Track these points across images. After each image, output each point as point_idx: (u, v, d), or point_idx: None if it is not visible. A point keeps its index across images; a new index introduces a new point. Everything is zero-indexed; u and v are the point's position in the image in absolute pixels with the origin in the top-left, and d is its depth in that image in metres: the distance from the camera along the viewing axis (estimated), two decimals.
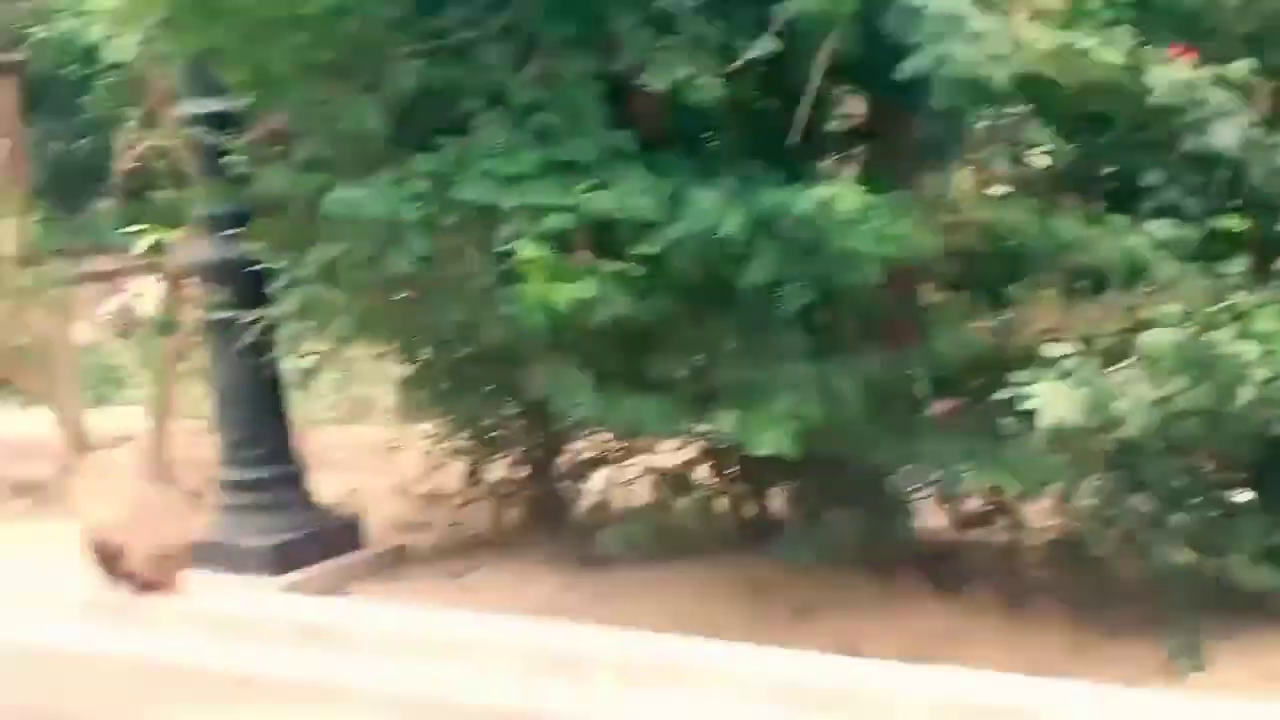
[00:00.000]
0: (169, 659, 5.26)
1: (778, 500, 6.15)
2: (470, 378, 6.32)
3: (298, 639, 5.31)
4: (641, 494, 6.33)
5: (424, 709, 4.74)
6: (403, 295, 5.29)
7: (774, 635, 5.13)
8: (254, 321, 5.57)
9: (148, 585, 5.62)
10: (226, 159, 5.71)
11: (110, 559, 5.66)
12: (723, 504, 6.13)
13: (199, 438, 9.29)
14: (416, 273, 5.05)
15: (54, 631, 5.61)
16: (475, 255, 5.00)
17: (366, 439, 9.01)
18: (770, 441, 4.93)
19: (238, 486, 6.24)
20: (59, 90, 10.83)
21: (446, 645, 5.05)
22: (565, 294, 4.80)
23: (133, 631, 5.55)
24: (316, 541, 6.22)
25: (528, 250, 4.79)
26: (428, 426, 7.68)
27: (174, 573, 5.63)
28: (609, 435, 6.19)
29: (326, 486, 7.32)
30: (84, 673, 5.33)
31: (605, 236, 5.13)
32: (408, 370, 6.50)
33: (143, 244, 7.49)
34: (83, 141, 10.94)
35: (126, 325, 9.11)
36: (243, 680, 5.08)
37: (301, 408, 6.83)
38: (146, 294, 7.26)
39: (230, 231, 5.89)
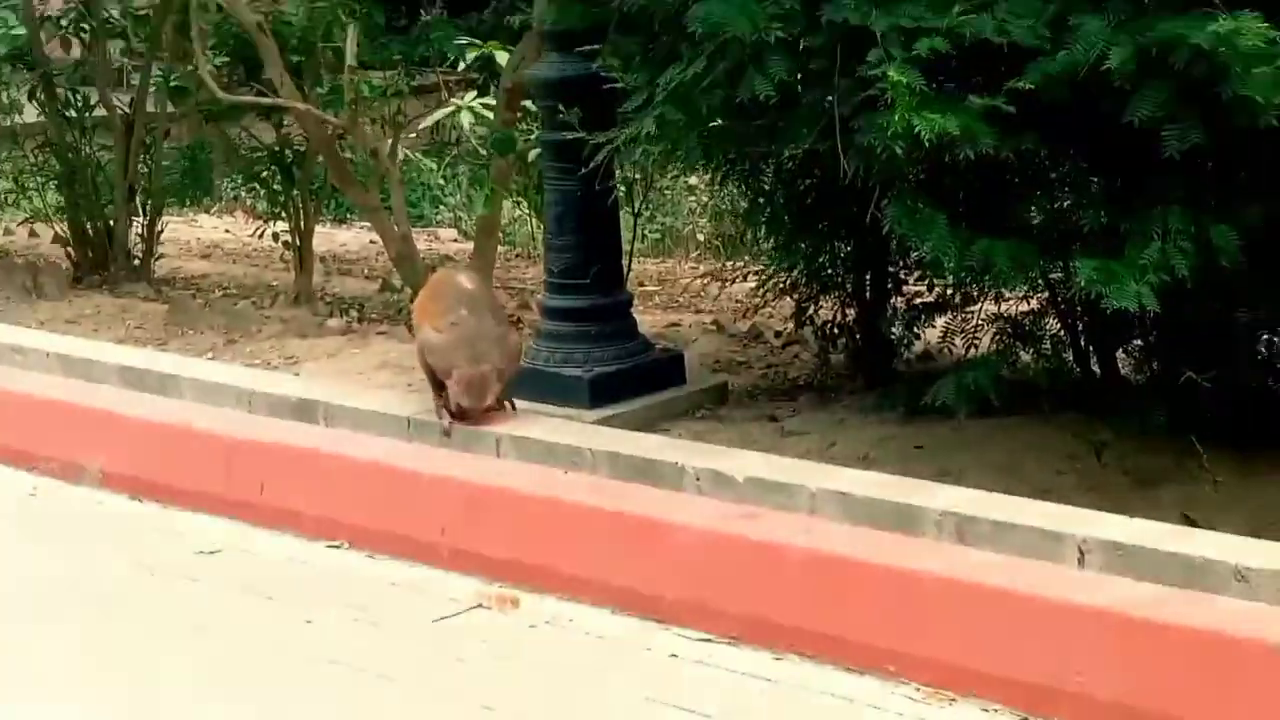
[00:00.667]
0: (489, 483, 5.26)
1: (1129, 359, 5.86)
2: (810, 211, 6.15)
3: (617, 473, 5.25)
4: (979, 345, 6.11)
5: (735, 550, 4.64)
6: (757, 121, 5.10)
7: (1111, 502, 4.91)
8: (600, 144, 5.44)
9: (463, 413, 5.62)
10: None
11: (438, 383, 5.68)
12: (1068, 360, 5.86)
13: (522, 262, 9.44)
14: (774, 96, 4.87)
15: (378, 448, 5.67)
16: (838, 80, 4.78)
17: (684, 273, 8.98)
18: (1131, 294, 4.66)
19: (563, 314, 6.19)
20: None
21: (767, 488, 4.93)
22: (930, 125, 4.57)
23: (452, 454, 5.56)
24: (638, 375, 6.15)
25: (895, 76, 4.58)
26: (749, 263, 7.59)
27: (486, 402, 5.62)
28: (949, 280, 5.95)
29: (646, 320, 7.30)
30: (404, 489, 5.38)
31: (980, 64, 4.89)
32: (744, 202, 6.35)
33: (472, 58, 7.48)
34: None
35: (451, 143, 9.16)
36: (559, 508, 5.05)
37: (626, 238, 6.76)
38: (474, 111, 7.21)
39: (579, 48, 5.75)
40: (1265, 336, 5.55)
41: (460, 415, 5.65)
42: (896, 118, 4.57)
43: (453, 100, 7.51)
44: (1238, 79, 4.42)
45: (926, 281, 6.26)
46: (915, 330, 6.41)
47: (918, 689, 4.16)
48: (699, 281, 8.31)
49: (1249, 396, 5.43)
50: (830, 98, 4.84)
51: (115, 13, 9.21)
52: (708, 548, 4.70)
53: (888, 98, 4.61)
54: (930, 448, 5.55)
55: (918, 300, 6.38)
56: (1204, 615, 3.94)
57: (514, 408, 5.77)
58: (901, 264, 6.30)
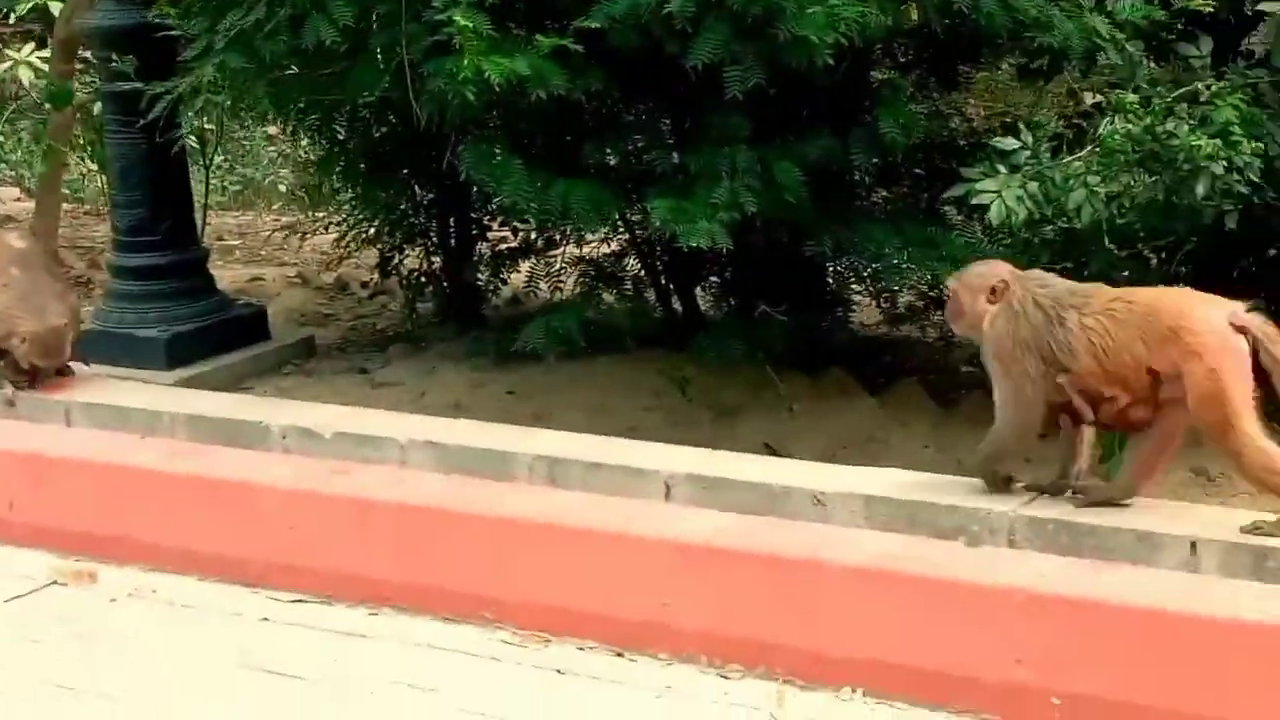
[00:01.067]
0: (59, 453, 5.00)
1: (708, 296, 6.01)
2: (388, 159, 6.06)
3: (197, 435, 5.07)
4: (564, 288, 6.15)
5: (324, 508, 4.56)
6: (327, 68, 4.98)
7: (696, 436, 5.03)
8: (159, 94, 5.21)
9: (33, 375, 5.33)
10: None
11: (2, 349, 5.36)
12: (650, 299, 5.96)
13: (92, 220, 9.00)
14: (340, 42, 4.76)
15: None
16: (406, 24, 4.71)
17: (265, 226, 8.75)
18: (703, 232, 4.77)
19: (134, 273, 5.94)
20: None
21: (356, 442, 4.86)
22: (499, 69, 4.56)
23: (18, 424, 5.27)
24: (218, 333, 5.96)
25: (462, 20, 4.54)
26: (332, 214, 7.45)
27: (58, 360, 5.34)
28: (532, 225, 5.97)
29: (226, 275, 7.08)
30: None
31: (543, 7, 4.89)
32: (319, 151, 6.21)
33: (26, 8, 7.08)
34: None
35: (11, 98, 8.66)
36: (135, 476, 4.85)
37: (199, 191, 6.52)
38: (33, 64, 6.83)
39: None
40: (832, 268, 5.78)
41: (30, 379, 5.34)
42: (465, 62, 4.54)
43: (8, 53, 7.09)
44: (793, 18, 4.56)
45: (510, 227, 6.27)
46: (501, 276, 6.42)
47: (514, 633, 4.18)
48: (281, 234, 8.10)
49: (819, 327, 5.65)
50: (399, 43, 4.76)
51: None
52: (295, 507, 4.60)
53: (456, 42, 4.57)
54: (522, 392, 5.57)
55: (502, 246, 6.39)
56: (785, 540, 4.07)
57: (88, 363, 5.49)
58: (484, 210, 6.29)
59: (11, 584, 4.61)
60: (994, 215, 4.52)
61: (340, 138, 6.11)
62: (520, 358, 5.59)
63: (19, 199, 9.47)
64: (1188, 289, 4.04)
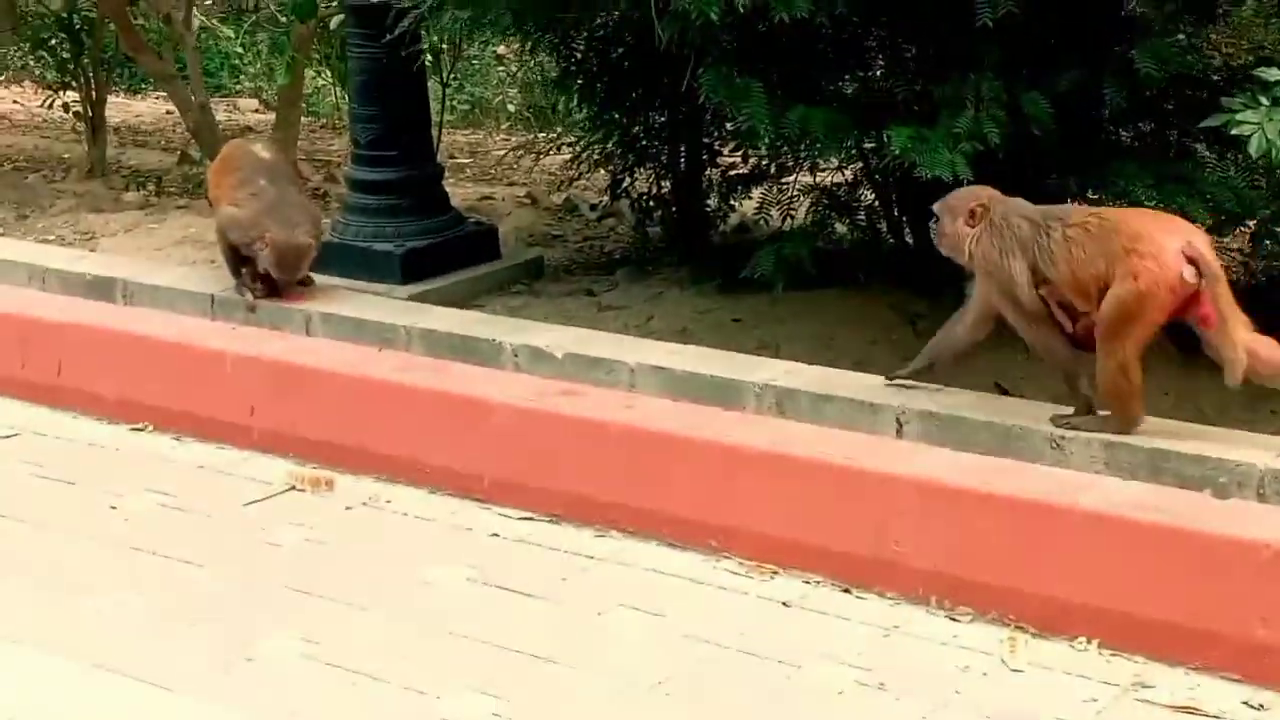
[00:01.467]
0: (300, 362, 5.10)
1: None
2: (623, 81, 6.03)
3: (432, 350, 5.13)
4: (794, 217, 6.08)
5: (555, 427, 4.58)
6: None
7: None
8: (405, 9, 5.24)
9: (274, 284, 5.44)
10: None
11: (240, 258, 5.48)
12: (883, 230, 5.86)
13: (327, 133, 9.16)
14: None
15: (180, 327, 5.46)
16: None
17: (494, 145, 8.81)
18: (944, 162, 4.66)
19: (371, 187, 6.01)
20: None
21: (587, 364, 4.87)
22: None
23: (261, 331, 5.39)
24: (450, 250, 6.01)
25: None
26: (562, 134, 7.46)
27: (300, 271, 5.44)
28: (764, 151, 5.89)
29: (457, 193, 7.14)
30: (211, 370, 5.19)
31: None
32: (555, 71, 6.20)
33: None
34: None
35: (250, 9, 8.84)
36: (372, 387, 4.92)
37: (434, 109, 6.57)
38: None
39: None
40: (1075, 204, 5.61)
41: (270, 288, 5.46)
42: None
43: None
44: None
45: (742, 153, 6.20)
46: (731, 202, 6.36)
47: (740, 563, 4.16)
48: (511, 154, 8.15)
49: None
50: None
51: None
52: (527, 425, 4.62)
53: None
54: (748, 320, 5.53)
55: (733, 172, 6.32)
56: (1020, 483, 3.98)
57: (312, 283, 5.60)
58: (716, 135, 6.23)
59: (251, 488, 4.73)
60: (1254, 148, 4.30)
61: (578, 58, 6.09)
62: (747, 285, 5.54)
63: (257, 110, 9.68)
64: (1157, 213, 4.25)
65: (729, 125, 5.87)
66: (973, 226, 4.24)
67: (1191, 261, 3.90)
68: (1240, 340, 3.89)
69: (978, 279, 4.27)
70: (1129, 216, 4.14)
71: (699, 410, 4.60)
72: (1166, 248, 3.92)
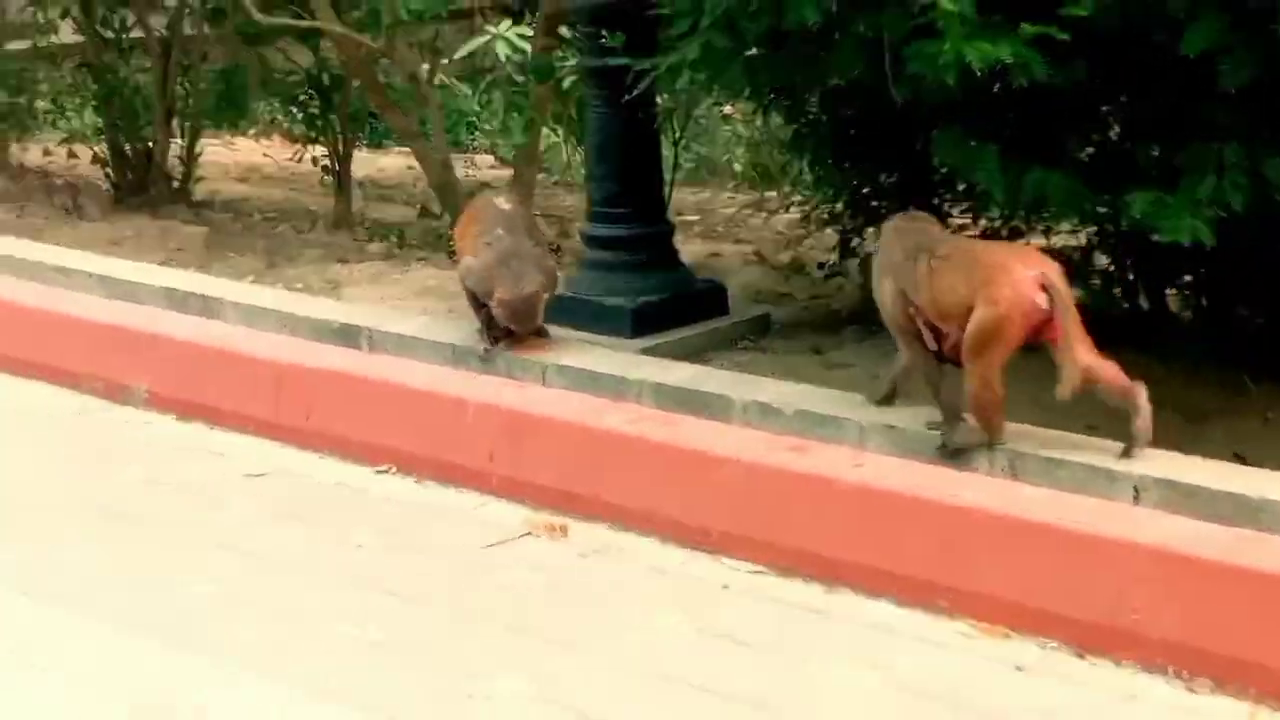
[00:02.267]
0: (537, 411, 5.20)
1: (1178, 295, 5.77)
2: (854, 141, 6.05)
3: (663, 403, 5.19)
4: None
5: (784, 482, 4.59)
6: (803, 50, 5.00)
7: (1161, 439, 4.83)
8: (644, 71, 5.33)
9: (509, 334, 5.56)
10: None
11: (479, 305, 5.62)
12: (1117, 295, 5.76)
13: (560, 189, 9.34)
14: (820, 24, 4.77)
15: (425, 374, 5.61)
16: (885, 7, 4.67)
17: (721, 203, 8.89)
18: (1185, 228, 4.58)
19: (606, 243, 6.11)
20: None
21: (816, 421, 4.87)
22: (981, 54, 4.48)
23: (500, 380, 5.51)
24: (680, 306, 6.08)
25: (946, 4, 4.47)
26: (789, 193, 7.49)
27: (533, 323, 5.55)
28: (995, 214, 5.85)
29: (686, 250, 7.21)
30: (453, 416, 5.32)
31: None
32: (786, 132, 6.24)
33: None
34: None
35: (487, 69, 9.03)
36: (605, 437, 4.99)
37: (666, 167, 6.66)
38: (509, 39, 7.10)
39: None
40: None
41: (508, 338, 5.59)
42: (947, 46, 4.47)
43: (488, 27, 7.40)
44: None
45: (972, 214, 6.16)
46: None
47: (972, 624, 4.11)
48: (739, 212, 8.21)
49: None
50: (878, 26, 4.73)
51: None
52: (757, 479, 4.65)
53: (939, 26, 4.51)
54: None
55: (964, 233, 6.27)
56: (1264, 554, 3.87)
57: (547, 334, 5.71)
58: (947, 195, 6.20)
59: (488, 532, 4.83)
60: None
61: (809, 118, 6.13)
62: None
63: (494, 166, 9.91)
64: (1015, 244, 4.95)
65: (959, 186, 5.85)
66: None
67: (1044, 289, 4.35)
68: (1080, 360, 4.35)
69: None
70: (991, 249, 4.73)
71: (929, 470, 4.57)
72: (1021, 276, 4.37)
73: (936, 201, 6.27)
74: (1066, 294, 4.42)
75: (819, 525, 4.48)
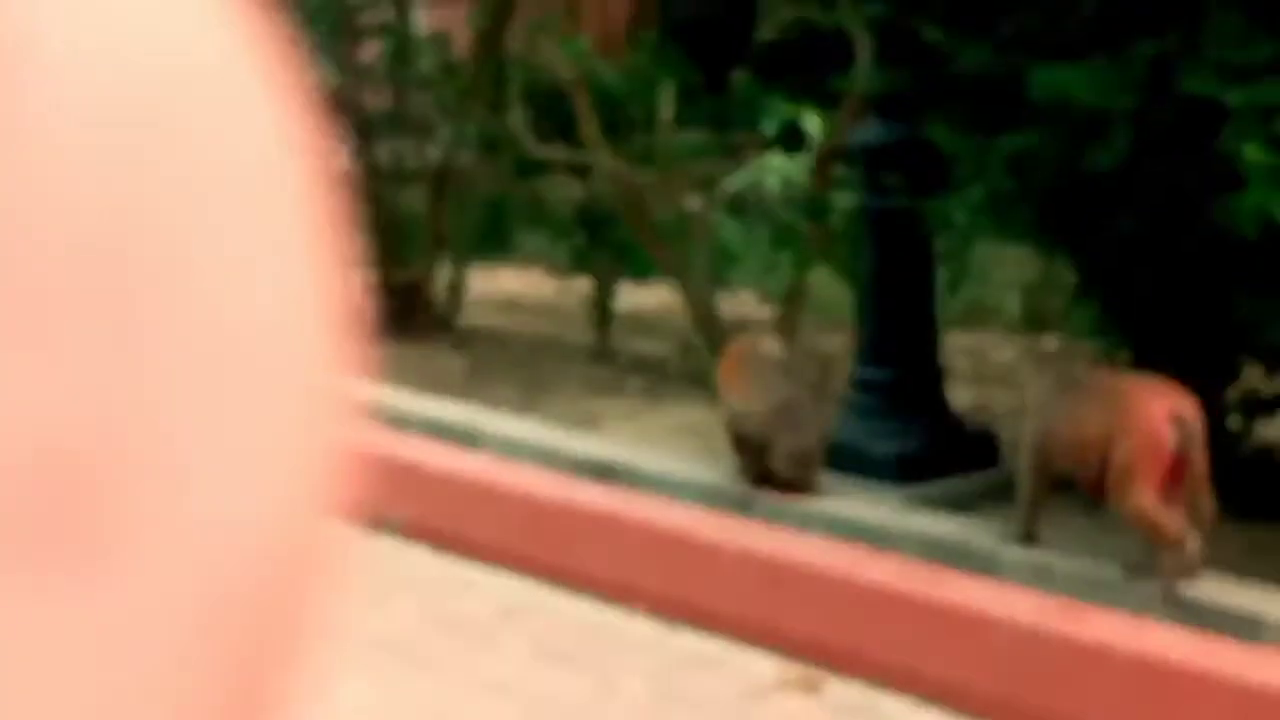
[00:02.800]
0: (794, 558, 5.14)
1: None
2: (1144, 290, 5.90)
3: (927, 555, 5.09)
4: None
5: (1056, 648, 4.43)
6: (1095, 192, 4.92)
7: None
8: (922, 212, 5.32)
9: (788, 485, 5.52)
10: (904, 34, 5.49)
11: (754, 453, 5.59)
12: None
13: (826, 329, 9.32)
14: (1117, 169, 4.69)
15: (680, 516, 5.61)
16: (1185, 155, 4.58)
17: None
18: None
19: (872, 387, 6.06)
20: None
21: (1083, 583, 4.72)
22: None
23: (754, 526, 5.48)
24: (947, 454, 5.97)
25: (1253, 154, 4.36)
26: (1066, 338, 7.33)
27: (813, 474, 5.50)
28: None
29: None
30: (708, 560, 5.29)
31: None
32: (1073, 278, 6.13)
33: (778, 118, 7.44)
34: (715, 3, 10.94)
35: (756, 204, 9.13)
36: (866, 589, 4.90)
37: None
38: (781, 173, 7.18)
39: (903, 113, 5.65)
40: None
41: (770, 483, 5.55)
42: (1249, 198, 4.36)
43: (759, 163, 7.48)
44: None
45: (1269, 372, 5.94)
46: (1250, 423, 6.08)
47: None
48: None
49: None
50: (1175, 172, 4.64)
51: (429, 64, 9.45)
52: (1027, 643, 4.50)
53: (1241, 175, 4.40)
54: (1269, 551, 5.24)
55: (1259, 394, 6.05)
56: None
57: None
58: (1243, 351, 5.99)
59: (741, 681, 4.77)
60: None
61: (1095, 265, 6.00)
62: (1265, 512, 5.28)
63: (757, 303, 9.93)
64: (1145, 378, 4.91)
65: (1257, 340, 5.65)
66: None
67: (1176, 420, 4.52)
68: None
69: None
70: (1123, 381, 4.92)
71: (1215, 642, 4.37)
72: (1154, 408, 4.54)
73: (1229, 359, 6.07)
74: (1198, 428, 4.55)
75: (1094, 695, 4.32)
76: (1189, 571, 4.56)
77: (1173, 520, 4.54)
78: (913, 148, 5.60)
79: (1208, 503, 4.55)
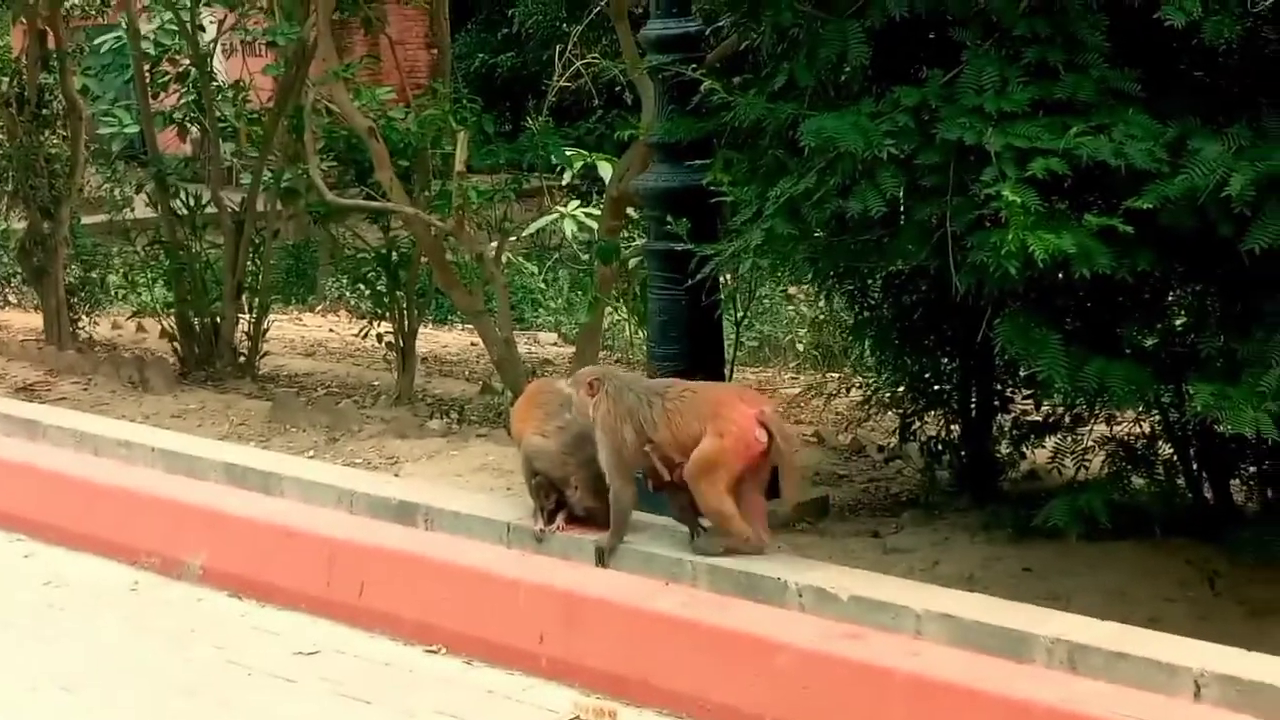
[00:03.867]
0: (588, 593, 5.19)
1: (1243, 485, 5.73)
2: (917, 326, 6.09)
3: (716, 586, 5.17)
4: (1089, 467, 5.99)
5: (839, 671, 4.54)
6: (866, 235, 5.07)
7: (1224, 634, 4.77)
8: (708, 255, 5.42)
9: (584, 520, 5.55)
10: (687, 84, 5.60)
11: (549, 489, 5.61)
12: (1180, 484, 5.73)
13: (621, 367, 9.42)
14: (884, 211, 4.83)
15: (479, 554, 5.62)
16: (951, 197, 4.74)
17: (781, 383, 8.93)
18: (1248, 420, 4.55)
19: None
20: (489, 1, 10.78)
21: (871, 607, 4.84)
22: (1045, 245, 4.52)
23: (551, 560, 5.51)
24: None
25: (1010, 195, 4.53)
26: (850, 374, 7.53)
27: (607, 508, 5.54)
28: (1059, 400, 5.85)
29: None
30: (505, 597, 5.32)
31: (1094, 185, 4.83)
32: (852, 316, 6.31)
33: (575, 166, 7.54)
34: (509, 55, 10.98)
35: (553, 248, 9.23)
36: (657, 621, 4.96)
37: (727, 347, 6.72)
38: (577, 218, 7.26)
39: (687, 160, 5.76)
40: None
41: (564, 518, 5.59)
42: (1011, 236, 4.53)
43: (556, 207, 7.57)
44: None
45: (1034, 400, 6.16)
46: (1023, 449, 6.31)
47: None
48: (800, 392, 8.25)
49: None
50: (941, 214, 4.79)
51: (229, 113, 9.37)
52: (811, 667, 4.60)
53: (1002, 216, 4.57)
54: (1038, 570, 5.44)
55: (1026, 418, 6.28)
56: None
57: None
58: (1009, 381, 6.22)
59: (537, 715, 4.80)
60: None
61: (871, 302, 6.19)
62: (1037, 534, 5.48)
63: (556, 343, 10.03)
64: (738, 386, 5.57)
65: (1022, 372, 5.86)
66: (593, 396, 5.24)
67: (763, 425, 5.02)
68: (797, 479, 5.41)
69: (601, 435, 5.23)
70: (713, 389, 5.34)
71: (987, 661, 4.50)
72: (741, 410, 5.06)
73: (999, 386, 6.29)
74: (784, 428, 5.17)
75: (874, 715, 4.42)
76: (750, 552, 5.14)
77: (739, 516, 5.10)
78: (697, 193, 5.71)
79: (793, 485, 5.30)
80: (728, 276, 6.30)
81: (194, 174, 9.86)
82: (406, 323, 8.66)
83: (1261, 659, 4.29)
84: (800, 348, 9.69)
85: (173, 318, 9.37)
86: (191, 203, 9.29)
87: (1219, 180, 4.44)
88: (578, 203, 7.58)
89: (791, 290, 9.61)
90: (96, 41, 10.93)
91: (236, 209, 9.17)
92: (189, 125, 9.39)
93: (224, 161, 9.74)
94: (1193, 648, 4.38)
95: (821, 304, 8.32)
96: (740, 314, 7.28)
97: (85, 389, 8.71)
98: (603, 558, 5.31)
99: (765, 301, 9.94)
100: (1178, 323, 5.27)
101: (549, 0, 12.30)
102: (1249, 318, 4.83)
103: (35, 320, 10.61)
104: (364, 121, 7.69)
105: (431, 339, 10.44)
